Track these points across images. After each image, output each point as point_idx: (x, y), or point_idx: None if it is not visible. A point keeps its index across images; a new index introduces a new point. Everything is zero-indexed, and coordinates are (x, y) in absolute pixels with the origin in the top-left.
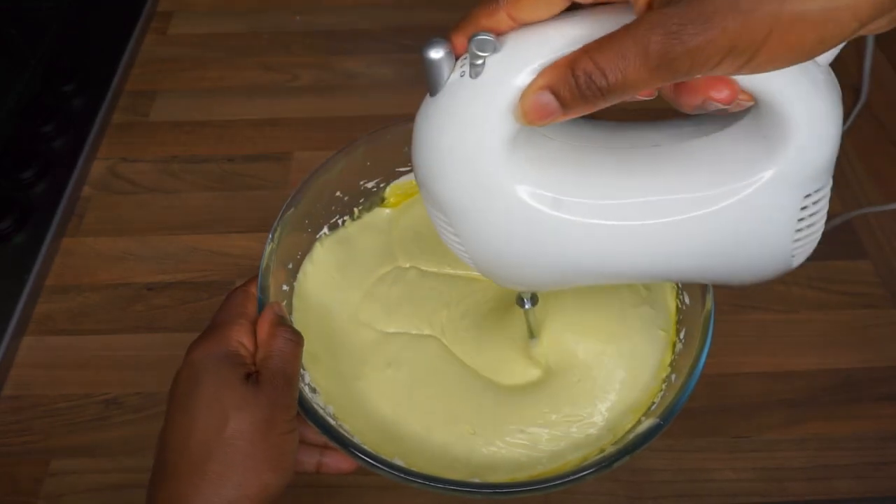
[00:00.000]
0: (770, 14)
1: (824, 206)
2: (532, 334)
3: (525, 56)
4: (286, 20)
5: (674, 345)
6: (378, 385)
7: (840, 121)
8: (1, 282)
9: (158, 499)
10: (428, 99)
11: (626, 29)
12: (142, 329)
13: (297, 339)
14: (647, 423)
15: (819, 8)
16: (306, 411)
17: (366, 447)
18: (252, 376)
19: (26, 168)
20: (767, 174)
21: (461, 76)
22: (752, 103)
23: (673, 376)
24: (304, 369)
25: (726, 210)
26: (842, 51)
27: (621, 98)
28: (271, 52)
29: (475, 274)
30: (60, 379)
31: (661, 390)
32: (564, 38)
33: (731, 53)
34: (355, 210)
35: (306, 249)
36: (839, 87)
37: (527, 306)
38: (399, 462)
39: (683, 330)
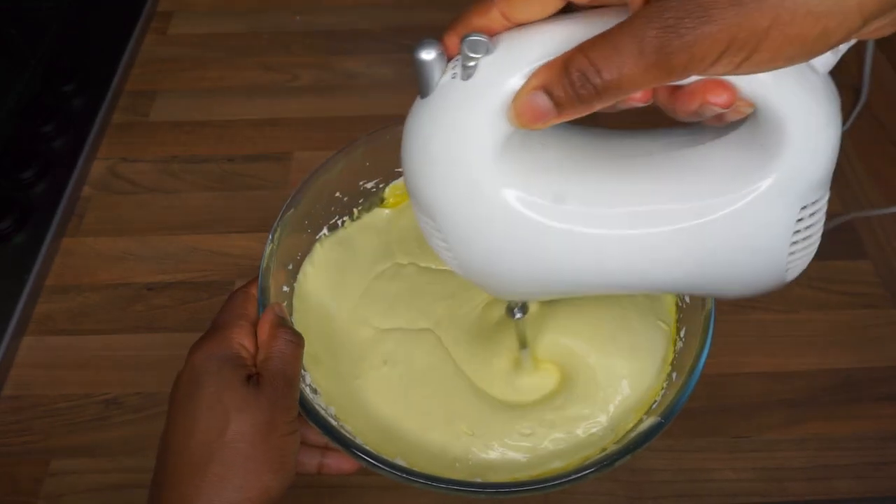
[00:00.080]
0: (771, 6)
1: (821, 218)
2: (523, 345)
3: (518, 57)
4: (286, 20)
5: (675, 343)
6: (375, 383)
7: (839, 131)
8: (1, 282)
9: (160, 500)
10: (419, 101)
11: (621, 25)
12: (142, 329)
13: (297, 340)
14: (648, 422)
15: (821, 1)
16: (308, 412)
17: (367, 447)
18: (253, 378)
19: (26, 168)
20: (763, 184)
21: (453, 78)
22: (750, 110)
23: (674, 375)
24: (304, 370)
25: (719, 221)
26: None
27: (617, 97)
28: (271, 52)
29: None
30: (60, 379)
31: (663, 388)
32: (559, 38)
33: (730, 48)
34: (355, 210)
35: (306, 250)
36: (839, 96)
37: (517, 316)
38: (401, 462)
39: (684, 329)
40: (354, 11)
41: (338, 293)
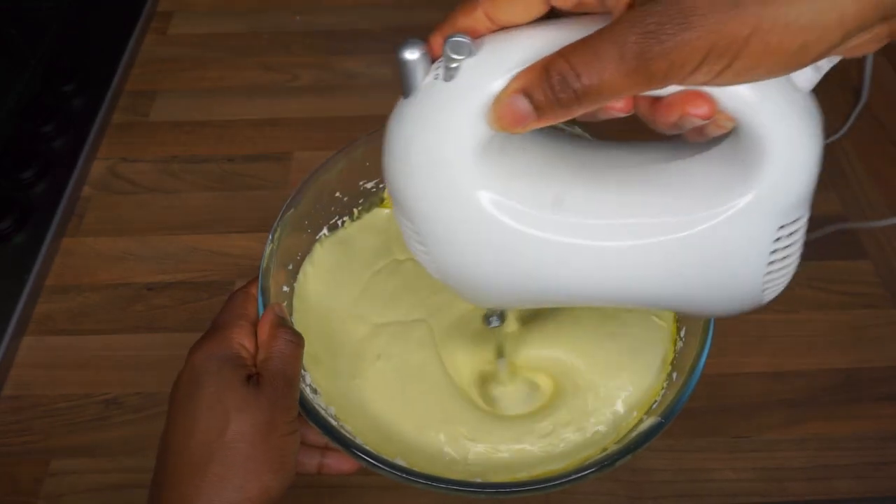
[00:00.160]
0: (752, 15)
1: (799, 239)
2: (499, 354)
3: (500, 60)
4: (286, 20)
5: (675, 343)
6: (373, 380)
7: (819, 150)
8: (1, 282)
9: (160, 500)
10: (401, 101)
11: (603, 30)
12: (142, 329)
13: (297, 340)
14: (648, 422)
15: (803, 12)
16: (308, 412)
17: (367, 447)
18: (253, 378)
19: (26, 168)
20: (741, 201)
21: (435, 79)
22: (731, 125)
23: (674, 375)
24: (304, 370)
25: (695, 237)
26: None
27: (597, 103)
28: (271, 52)
29: None
30: (60, 379)
31: (663, 388)
32: (541, 42)
33: (709, 56)
34: (355, 210)
35: (306, 250)
36: (821, 114)
37: (493, 324)
38: (401, 462)
39: (684, 329)
40: (354, 11)
41: (338, 293)
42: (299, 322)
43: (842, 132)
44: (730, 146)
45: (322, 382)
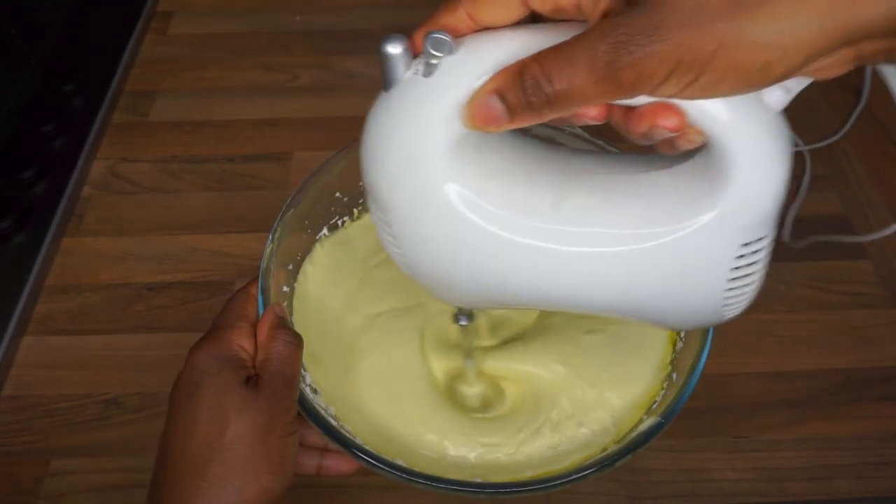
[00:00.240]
0: (717, 31)
1: (763, 258)
2: (467, 355)
3: (478, 60)
4: (286, 20)
5: (675, 343)
6: (364, 377)
7: (787, 170)
8: (1, 282)
9: (159, 500)
10: (381, 94)
11: (577, 38)
12: (142, 329)
13: (296, 341)
14: (648, 422)
15: (767, 32)
16: (308, 412)
17: (367, 447)
18: (252, 379)
19: (26, 168)
20: (705, 217)
21: (415, 74)
22: (701, 140)
23: (674, 375)
24: (304, 370)
25: (659, 249)
26: None
27: (568, 108)
28: (271, 52)
29: None
30: (60, 379)
31: (663, 389)
32: (519, 45)
33: (677, 69)
34: (355, 211)
35: (306, 250)
36: (790, 135)
37: (462, 323)
38: (400, 462)
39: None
40: (354, 11)
41: (338, 293)
42: (299, 322)
43: (842, 132)
44: (700, 161)
45: (322, 382)
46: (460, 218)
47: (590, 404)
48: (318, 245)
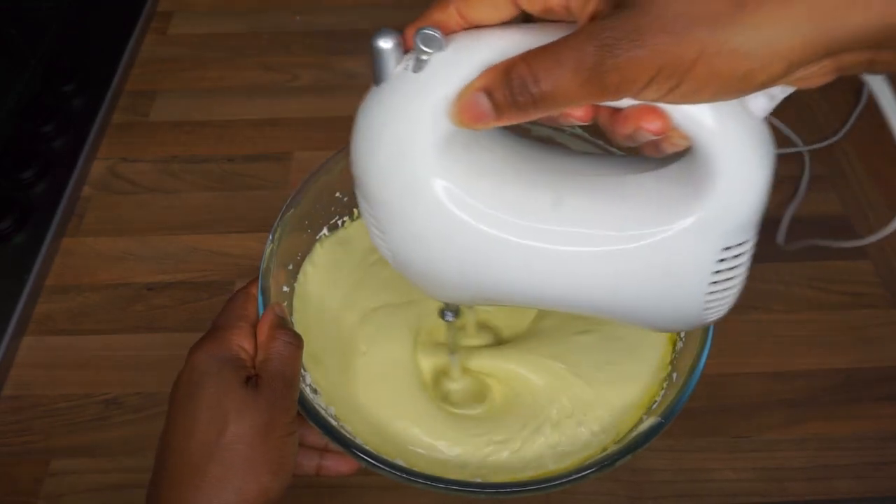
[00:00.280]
0: (699, 39)
1: (744, 263)
2: (452, 350)
3: (468, 58)
4: (286, 20)
5: (675, 343)
6: (362, 374)
7: (769, 177)
8: (1, 282)
9: (158, 499)
10: (372, 88)
11: (564, 39)
12: (142, 329)
13: (296, 341)
14: (648, 422)
15: (747, 40)
16: (308, 412)
17: (367, 447)
18: (252, 380)
19: (26, 168)
20: (687, 220)
21: (405, 69)
22: (686, 144)
23: (674, 375)
24: (304, 370)
25: (642, 250)
26: None
27: (553, 109)
28: (271, 52)
29: None
30: (60, 379)
31: (663, 389)
32: (508, 44)
33: (659, 74)
34: (355, 211)
35: (306, 250)
36: (773, 142)
37: (448, 319)
38: (400, 462)
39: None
40: (354, 11)
41: (337, 293)
42: (299, 322)
43: (842, 133)
44: (685, 165)
45: (322, 382)
46: (447, 214)
47: (588, 403)
48: (318, 245)
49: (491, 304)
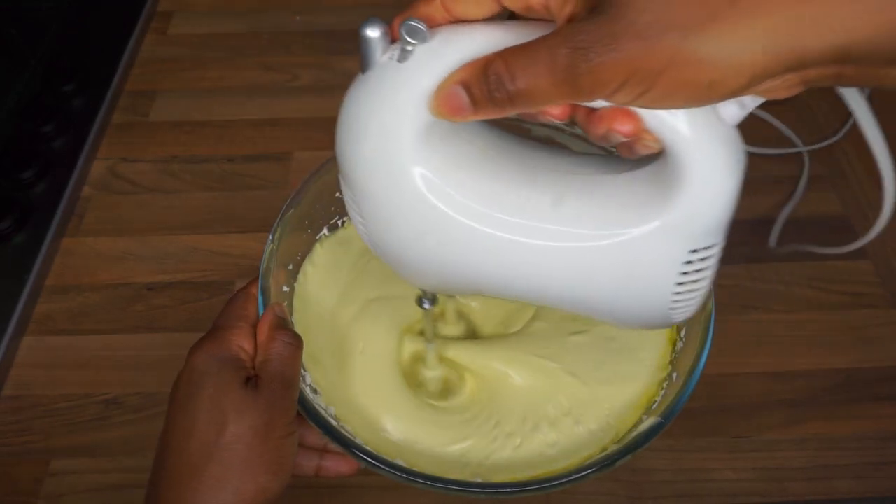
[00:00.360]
0: (669, 47)
1: (711, 265)
2: (429, 339)
3: (450, 51)
4: (286, 20)
5: (675, 343)
6: (356, 370)
7: (738, 182)
8: (1, 282)
9: (157, 499)
10: (358, 75)
11: (542, 39)
12: (142, 329)
13: (296, 342)
14: (648, 422)
15: (714, 51)
16: (308, 412)
17: (367, 447)
18: (252, 380)
19: (26, 168)
20: (656, 221)
21: (390, 59)
22: (658, 147)
23: (674, 375)
24: (304, 370)
25: (609, 248)
26: None
27: (529, 106)
28: (271, 52)
29: None
30: (60, 379)
31: (663, 389)
32: (489, 40)
33: (630, 80)
34: None
35: (306, 250)
36: (744, 149)
37: (425, 306)
38: (400, 462)
39: (684, 329)
40: (354, 11)
41: (338, 293)
42: (299, 322)
43: (842, 133)
44: (658, 167)
45: (322, 382)
46: (424, 201)
47: (584, 402)
48: (318, 245)
49: (465, 293)
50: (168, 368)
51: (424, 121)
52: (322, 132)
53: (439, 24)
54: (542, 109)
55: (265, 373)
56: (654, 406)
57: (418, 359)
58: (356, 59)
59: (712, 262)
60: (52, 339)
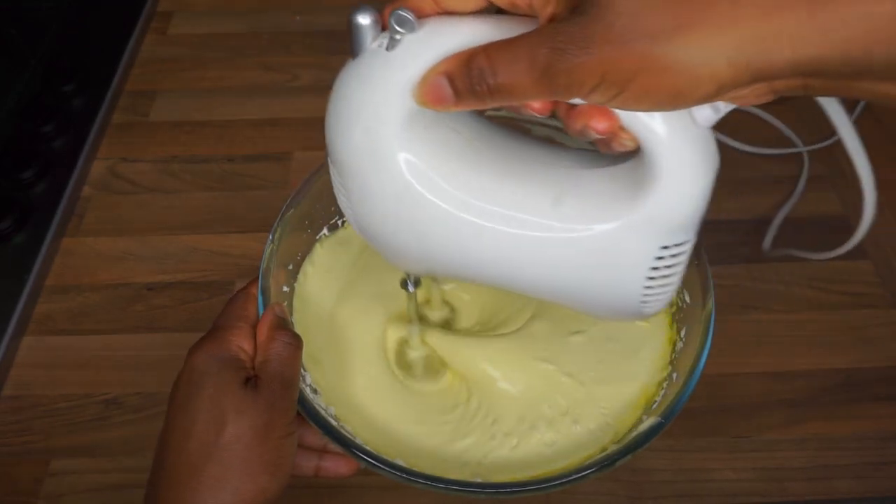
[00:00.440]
0: (639, 53)
1: (681, 262)
2: (411, 319)
3: (436, 42)
4: (286, 20)
5: (674, 343)
6: (360, 373)
7: (709, 183)
8: (1, 282)
9: (157, 499)
10: (349, 60)
11: (523, 36)
12: (142, 329)
13: (295, 342)
14: (648, 422)
15: (682, 59)
16: (308, 413)
17: (368, 447)
18: (251, 380)
19: (26, 168)
20: (628, 217)
21: (379, 46)
22: (633, 145)
23: (674, 375)
24: (304, 370)
25: (582, 241)
26: None
27: (508, 101)
28: (271, 52)
29: None
30: (60, 379)
31: (662, 389)
32: (475, 34)
33: (603, 82)
34: None
35: (306, 250)
36: (717, 152)
37: (409, 289)
38: (401, 462)
39: (684, 329)
40: None
41: (338, 293)
42: (299, 322)
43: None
44: (635, 164)
45: (322, 382)
46: (406, 185)
47: (581, 401)
48: (318, 245)
49: (443, 276)
50: (168, 368)
51: (410, 108)
52: (322, 132)
53: (428, 16)
54: (522, 103)
55: (265, 373)
56: (655, 406)
57: (404, 343)
58: None
59: (683, 259)
60: (52, 339)
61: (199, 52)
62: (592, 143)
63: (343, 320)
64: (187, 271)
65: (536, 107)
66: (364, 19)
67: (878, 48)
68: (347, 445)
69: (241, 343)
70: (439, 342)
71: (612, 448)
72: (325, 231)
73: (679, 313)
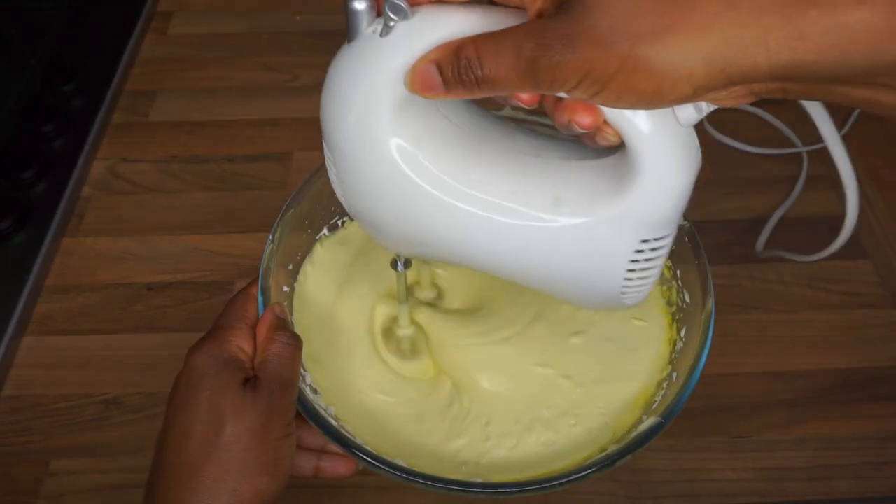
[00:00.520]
0: (620, 53)
1: (661, 255)
2: (401, 299)
3: (428, 30)
4: (286, 20)
5: (674, 343)
6: (360, 372)
7: (689, 180)
8: (1, 282)
9: (156, 499)
10: (344, 45)
11: (511, 29)
12: (142, 329)
13: (295, 342)
14: (648, 422)
15: (660, 61)
16: (308, 413)
17: (368, 447)
18: (251, 381)
19: (26, 168)
20: (610, 210)
21: (373, 32)
22: (617, 140)
23: (674, 375)
24: (304, 370)
25: (564, 231)
26: None
27: (495, 92)
28: (271, 52)
29: None
30: (60, 379)
31: (662, 388)
32: (466, 24)
33: (585, 79)
34: None
35: (306, 250)
36: (699, 150)
37: (399, 269)
38: (400, 462)
39: (684, 329)
40: None
41: (338, 293)
42: (299, 322)
43: (842, 133)
44: (619, 159)
45: (322, 382)
46: (396, 169)
47: (579, 402)
48: (318, 245)
49: (431, 258)
50: (168, 368)
51: (402, 94)
52: None
53: (421, 4)
54: (510, 94)
55: (264, 374)
56: (654, 406)
57: (393, 321)
58: None
59: (662, 252)
60: (52, 339)
61: (199, 52)
62: (577, 136)
63: (343, 320)
64: (187, 271)
65: (524, 98)
66: (359, 4)
67: (852, 55)
68: (348, 446)
69: (240, 343)
70: (427, 320)
71: (612, 448)
72: (325, 231)
73: (679, 313)
